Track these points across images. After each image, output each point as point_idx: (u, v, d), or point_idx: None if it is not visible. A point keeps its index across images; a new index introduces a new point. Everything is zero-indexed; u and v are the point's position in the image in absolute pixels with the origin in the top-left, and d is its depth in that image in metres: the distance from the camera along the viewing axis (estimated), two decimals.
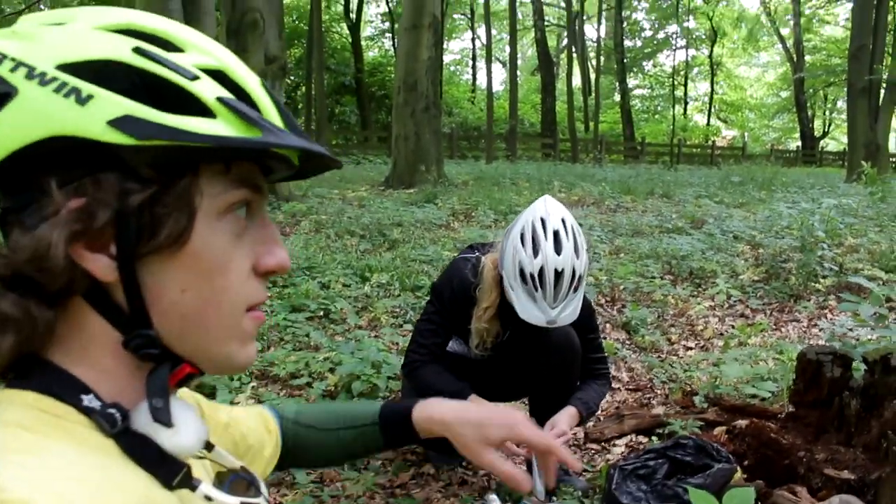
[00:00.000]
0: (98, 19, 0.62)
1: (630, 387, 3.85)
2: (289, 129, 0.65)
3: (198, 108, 0.60)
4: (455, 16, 38.83)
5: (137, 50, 0.60)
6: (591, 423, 3.15)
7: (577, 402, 2.62)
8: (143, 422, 0.63)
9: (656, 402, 3.57)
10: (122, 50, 0.60)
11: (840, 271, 5.83)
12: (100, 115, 0.57)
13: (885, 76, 17.51)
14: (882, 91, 18.08)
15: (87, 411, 0.61)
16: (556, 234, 2.32)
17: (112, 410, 0.62)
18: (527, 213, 2.41)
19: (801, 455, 2.47)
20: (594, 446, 3.15)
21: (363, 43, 31.74)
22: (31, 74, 0.57)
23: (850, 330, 4.42)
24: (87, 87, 0.57)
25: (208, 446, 0.74)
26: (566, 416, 2.57)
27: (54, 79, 0.57)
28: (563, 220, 2.36)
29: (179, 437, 0.64)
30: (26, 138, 0.57)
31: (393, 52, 27.13)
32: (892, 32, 21.66)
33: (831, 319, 4.96)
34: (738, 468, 2.51)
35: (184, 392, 0.83)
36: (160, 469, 0.64)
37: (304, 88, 25.10)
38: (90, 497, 0.54)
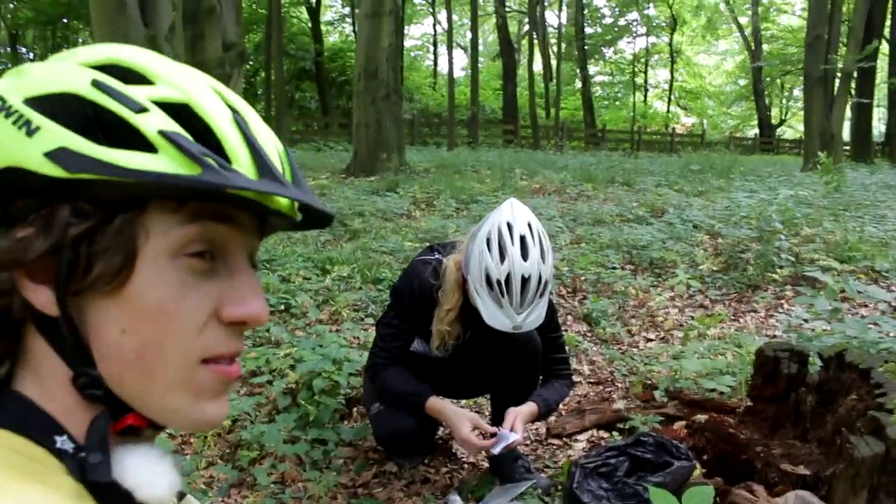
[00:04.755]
0: (86, 55, 0.62)
1: (591, 380, 3.88)
2: (259, 171, 0.60)
3: (139, 141, 0.57)
4: (416, 0, 38.60)
5: (94, 83, 0.58)
6: (552, 419, 3.16)
7: (538, 399, 2.64)
8: (116, 468, 0.61)
9: (617, 395, 3.60)
10: (80, 83, 0.59)
11: (797, 261, 5.92)
12: (40, 146, 0.56)
13: (839, 66, 17.78)
14: (837, 81, 18.38)
15: (59, 454, 0.59)
16: (522, 239, 2.31)
17: (83, 455, 0.60)
18: (493, 218, 2.39)
19: (759, 450, 2.50)
20: (556, 441, 3.17)
21: (323, 28, 31.43)
22: (1, 107, 0.59)
23: (806, 321, 4.50)
24: (37, 119, 0.57)
25: (180, 495, 0.73)
26: (525, 409, 2.59)
27: (16, 111, 0.58)
28: (529, 225, 2.34)
29: (152, 488, 0.63)
30: None
31: (353, 38, 26.86)
32: (847, 23, 21.98)
33: (788, 310, 5.04)
34: (698, 465, 2.54)
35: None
36: None
37: (263, 74, 24.81)
38: None
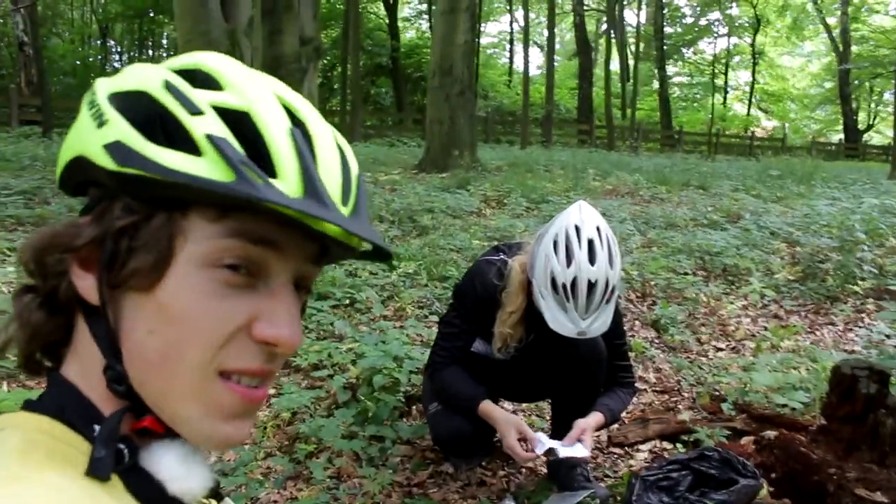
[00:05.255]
0: (180, 60, 0.64)
1: (657, 388, 3.78)
2: (306, 189, 0.58)
3: (189, 143, 0.57)
4: None
5: (166, 84, 0.60)
6: (614, 427, 3.08)
7: (603, 408, 2.58)
8: (150, 460, 0.63)
9: (683, 406, 3.50)
10: (155, 82, 0.60)
11: (880, 274, 5.67)
12: (103, 138, 0.59)
13: None
14: None
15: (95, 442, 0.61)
16: (590, 242, 2.25)
17: (121, 445, 0.61)
18: (560, 219, 2.33)
19: (832, 472, 2.39)
20: (617, 450, 3.09)
21: (400, 24, 31.63)
22: (91, 101, 0.62)
23: (888, 337, 4.30)
24: (109, 113, 0.60)
25: (218, 497, 0.73)
26: (591, 421, 2.53)
27: (97, 105, 0.61)
28: (597, 229, 2.28)
29: (185, 482, 0.64)
30: (68, 155, 0.63)
31: (430, 34, 26.97)
32: None
33: (869, 325, 4.83)
34: (765, 484, 2.44)
35: None
36: None
37: (339, 69, 25.10)
38: None
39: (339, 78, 24.75)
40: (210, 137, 0.57)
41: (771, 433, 2.87)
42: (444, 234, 6.67)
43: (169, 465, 0.64)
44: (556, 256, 2.26)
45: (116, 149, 0.58)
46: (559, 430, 2.66)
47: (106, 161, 0.58)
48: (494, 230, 6.90)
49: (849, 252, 5.97)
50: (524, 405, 3.40)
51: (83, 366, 0.63)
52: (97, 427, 0.61)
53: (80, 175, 0.63)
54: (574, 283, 2.23)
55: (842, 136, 37.96)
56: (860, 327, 4.83)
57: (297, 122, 0.62)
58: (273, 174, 0.58)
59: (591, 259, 2.23)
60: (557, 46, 34.68)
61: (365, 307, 4.49)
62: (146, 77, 0.61)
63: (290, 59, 8.13)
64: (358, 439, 2.91)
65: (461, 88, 11.73)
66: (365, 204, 0.65)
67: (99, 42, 32.71)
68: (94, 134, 0.59)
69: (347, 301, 4.52)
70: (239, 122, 0.59)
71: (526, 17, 26.16)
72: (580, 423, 2.50)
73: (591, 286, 2.22)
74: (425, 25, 33.89)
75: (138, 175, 0.57)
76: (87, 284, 0.61)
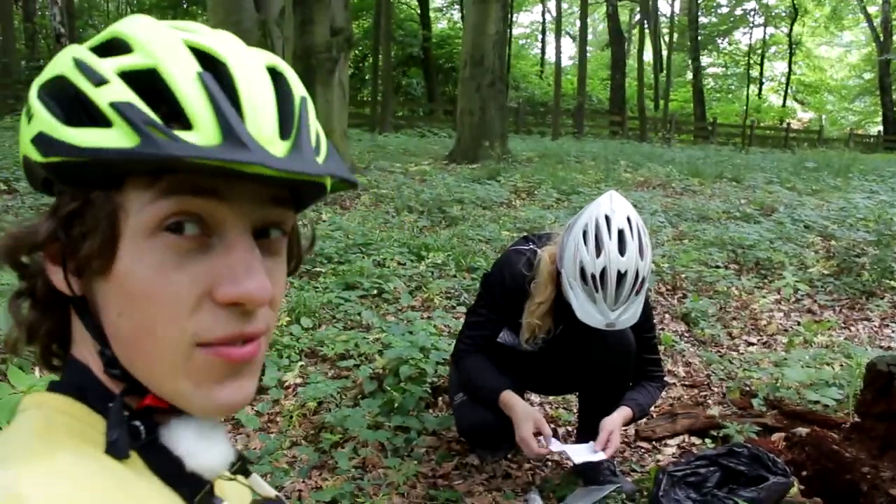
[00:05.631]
0: (99, 35, 0.61)
1: (686, 382, 3.73)
2: (224, 135, 0.54)
3: (99, 116, 0.54)
4: None
5: (75, 61, 0.57)
6: (642, 421, 3.05)
7: (632, 403, 2.55)
8: (169, 437, 0.64)
9: (712, 400, 3.45)
10: (66, 63, 0.58)
11: None
12: (30, 133, 0.58)
13: None
14: None
15: None
16: (620, 233, 2.21)
17: (137, 423, 0.62)
18: (591, 209, 2.30)
19: (865, 471, 2.34)
20: (644, 445, 3.06)
21: (432, 14, 31.52)
22: (27, 100, 0.61)
23: None
24: (34, 106, 0.58)
25: (245, 472, 0.73)
26: (619, 417, 2.50)
27: (28, 102, 0.60)
28: (628, 219, 2.24)
29: (203, 457, 0.64)
30: (21, 157, 0.62)
31: (462, 24, 26.86)
32: None
33: None
34: (795, 481, 2.40)
35: None
36: (181, 485, 0.63)
37: (370, 59, 25.08)
38: None
39: (370, 68, 24.69)
40: (113, 105, 0.54)
41: (802, 430, 2.82)
42: (473, 225, 6.65)
43: (187, 441, 0.64)
44: (585, 247, 2.23)
45: (40, 140, 0.57)
46: (586, 422, 2.64)
47: (36, 154, 0.57)
48: (524, 221, 6.86)
49: (886, 246, 5.85)
50: (551, 398, 3.37)
51: (89, 351, 0.64)
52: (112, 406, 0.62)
53: (30, 173, 0.62)
54: (603, 273, 2.20)
55: (881, 127, 37.14)
56: None
57: (211, 65, 0.57)
58: (189, 126, 0.54)
59: (622, 250, 2.20)
60: (590, 37, 34.40)
61: (392, 297, 4.49)
62: (61, 60, 0.59)
63: (321, 50, 8.16)
64: (383, 430, 2.91)
65: (492, 79, 11.67)
66: (309, 133, 0.59)
67: None
68: (26, 130, 0.59)
69: (375, 291, 4.52)
70: (149, 80, 0.55)
71: (558, 7, 26.01)
72: (607, 425, 2.47)
73: (621, 277, 2.19)
74: (457, 15, 33.81)
75: (62, 161, 0.56)
76: (59, 278, 0.61)
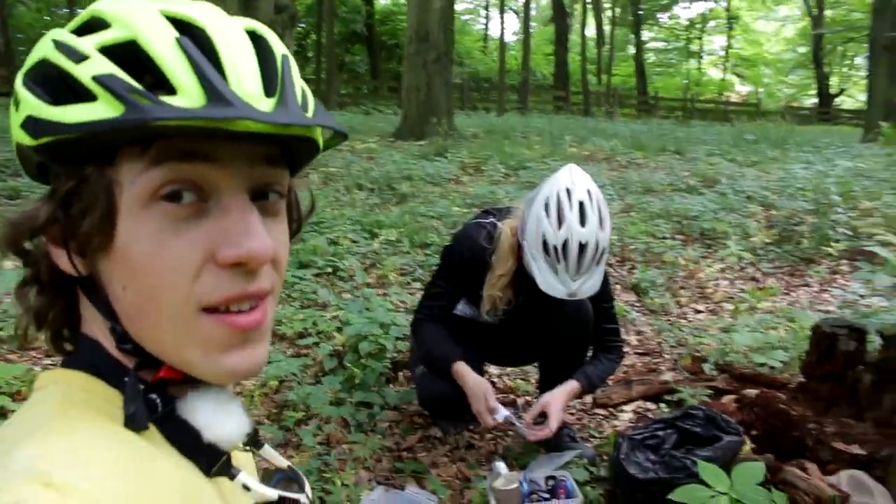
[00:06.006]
0: (78, 17, 0.62)
1: (639, 350, 3.84)
2: (208, 96, 0.55)
3: (83, 92, 0.56)
4: None
5: (54, 42, 0.59)
6: (599, 390, 3.13)
7: (580, 376, 2.60)
8: (186, 409, 0.65)
9: (665, 367, 3.56)
10: (47, 46, 0.59)
11: (854, 235, 5.76)
12: (18, 119, 0.59)
13: None
14: None
15: None
16: (581, 205, 2.27)
17: (153, 396, 0.63)
18: (551, 183, 2.35)
19: (811, 427, 2.45)
20: (601, 412, 3.15)
21: None
22: (14, 89, 0.62)
23: (862, 297, 4.38)
24: (20, 93, 0.59)
25: (257, 444, 0.74)
26: (560, 393, 2.56)
27: (14, 90, 0.60)
28: (588, 192, 2.30)
29: (220, 428, 0.66)
30: (14, 145, 0.63)
31: (405, 1, 26.65)
32: None
33: (843, 285, 4.92)
34: (747, 440, 2.50)
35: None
36: (199, 456, 0.65)
37: (314, 37, 24.75)
38: (127, 480, 0.55)
39: (313, 46, 24.38)
40: (96, 78, 0.55)
41: (752, 392, 2.93)
42: (423, 202, 6.67)
43: (204, 412, 0.65)
44: (547, 219, 2.28)
45: (28, 124, 0.58)
46: (546, 392, 2.70)
47: (26, 139, 0.58)
48: (473, 197, 6.90)
49: (823, 214, 6.05)
50: (509, 369, 3.43)
51: (100, 329, 0.65)
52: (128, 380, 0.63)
53: (24, 160, 0.63)
54: (565, 244, 2.25)
55: (815, 100, 38.12)
56: (835, 288, 4.91)
57: (189, 32, 0.58)
58: (174, 91, 0.55)
59: (582, 221, 2.25)
60: (533, 12, 34.44)
61: (347, 275, 4.50)
62: (42, 45, 0.60)
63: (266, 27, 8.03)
64: (346, 406, 2.93)
65: (438, 55, 11.62)
66: (294, 89, 0.60)
67: (66, 10, 31.98)
68: (14, 117, 0.59)
69: (330, 269, 4.52)
70: (131, 52, 0.56)
71: None
72: (544, 400, 2.56)
73: (582, 248, 2.25)
74: None
75: (52, 141, 0.57)
76: (63, 260, 0.62)
